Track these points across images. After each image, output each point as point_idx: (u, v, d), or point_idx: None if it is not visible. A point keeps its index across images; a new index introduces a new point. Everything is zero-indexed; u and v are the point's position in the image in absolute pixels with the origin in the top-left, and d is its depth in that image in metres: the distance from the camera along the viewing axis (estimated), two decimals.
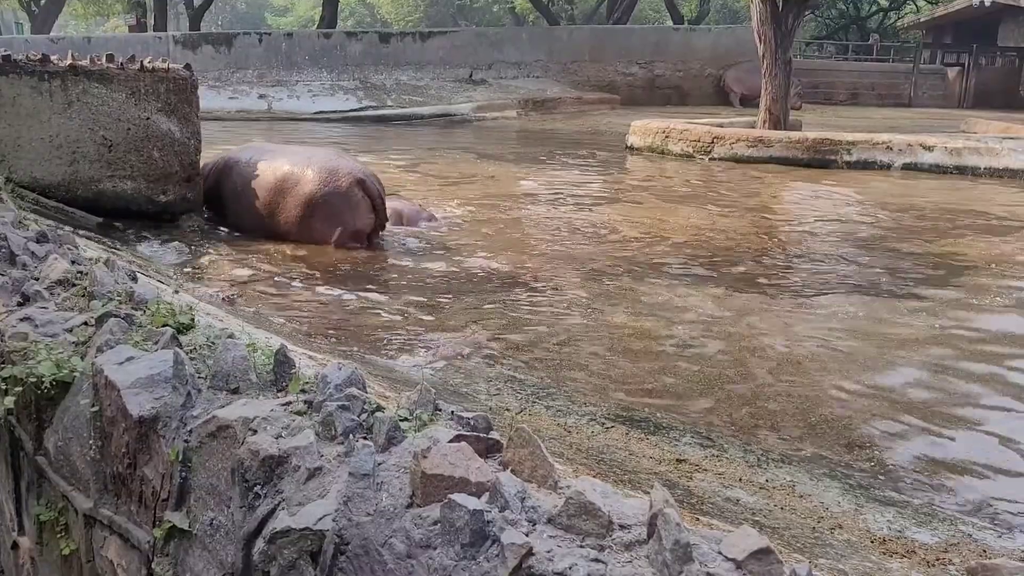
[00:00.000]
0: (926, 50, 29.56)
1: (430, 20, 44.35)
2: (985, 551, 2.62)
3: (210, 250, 6.45)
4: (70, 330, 2.41)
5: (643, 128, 13.96)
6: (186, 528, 1.78)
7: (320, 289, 5.52)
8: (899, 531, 2.72)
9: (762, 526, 2.56)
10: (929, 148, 11.97)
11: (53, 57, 6.62)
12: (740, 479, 3.02)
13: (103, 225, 6.48)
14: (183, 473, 1.82)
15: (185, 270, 5.78)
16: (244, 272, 5.89)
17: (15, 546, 2.62)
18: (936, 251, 7.03)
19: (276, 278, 5.78)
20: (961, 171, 11.62)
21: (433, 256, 6.46)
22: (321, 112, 20.07)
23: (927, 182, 11.08)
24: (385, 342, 4.48)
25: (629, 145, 14.04)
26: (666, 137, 13.45)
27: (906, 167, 11.89)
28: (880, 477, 3.17)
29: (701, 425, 3.55)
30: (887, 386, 4.06)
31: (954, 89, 26.83)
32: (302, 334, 4.48)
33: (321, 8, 30.21)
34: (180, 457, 1.82)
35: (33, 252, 3.19)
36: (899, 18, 36.18)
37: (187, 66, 7.03)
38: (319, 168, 6.41)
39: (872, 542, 2.64)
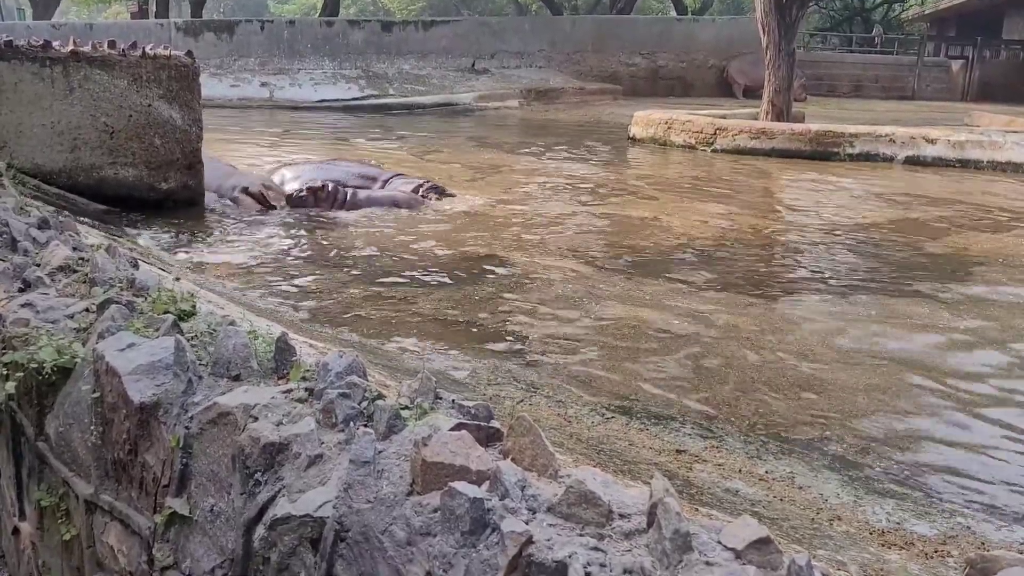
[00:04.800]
0: (930, 43, 29.46)
1: (433, 9, 44.20)
2: (984, 543, 2.63)
3: (210, 237, 6.46)
4: (71, 316, 2.41)
5: (645, 119, 13.89)
6: (187, 514, 1.79)
7: (322, 276, 5.52)
8: (898, 523, 2.73)
9: (761, 517, 2.56)
10: (932, 141, 11.92)
11: (55, 43, 6.61)
12: (739, 470, 3.02)
13: (104, 211, 6.48)
14: (184, 459, 1.82)
15: (186, 257, 5.78)
16: (245, 259, 5.90)
17: (16, 531, 2.63)
18: (944, 246, 7.01)
19: (277, 265, 5.78)
20: (964, 164, 11.58)
21: (434, 244, 6.45)
22: (323, 100, 20.00)
23: (930, 175, 11.05)
24: (386, 330, 4.48)
25: (631, 136, 13.98)
26: (668, 128, 13.39)
27: (909, 160, 11.84)
28: (880, 470, 3.18)
29: (701, 417, 3.56)
30: (892, 382, 4.06)
31: (958, 82, 26.71)
32: (303, 321, 4.48)
33: None
34: (181, 443, 1.82)
35: (34, 238, 3.19)
36: (903, 10, 36.06)
37: (189, 53, 7.02)
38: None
39: (871, 534, 2.64)
